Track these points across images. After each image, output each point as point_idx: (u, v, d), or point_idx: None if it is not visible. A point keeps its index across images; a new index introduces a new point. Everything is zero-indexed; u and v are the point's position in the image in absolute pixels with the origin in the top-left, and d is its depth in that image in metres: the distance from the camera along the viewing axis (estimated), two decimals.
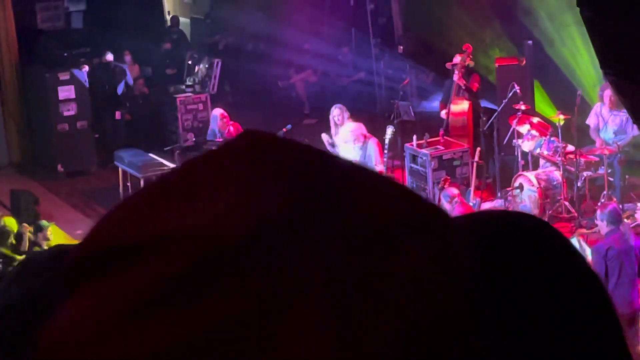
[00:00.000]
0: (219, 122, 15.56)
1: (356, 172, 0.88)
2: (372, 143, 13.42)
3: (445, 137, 15.26)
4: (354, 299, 0.78)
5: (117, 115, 18.89)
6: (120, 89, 19.17)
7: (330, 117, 14.63)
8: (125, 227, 0.81)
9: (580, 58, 16.45)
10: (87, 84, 18.11)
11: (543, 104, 16.69)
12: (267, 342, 0.76)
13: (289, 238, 0.79)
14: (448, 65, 15.97)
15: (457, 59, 15.68)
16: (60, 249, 1.34)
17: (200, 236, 0.78)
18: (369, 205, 0.84)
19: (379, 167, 13.40)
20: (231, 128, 15.64)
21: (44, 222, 13.19)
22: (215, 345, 0.75)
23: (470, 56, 15.75)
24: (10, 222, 13.17)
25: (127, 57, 19.95)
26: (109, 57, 19.31)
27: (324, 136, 14.37)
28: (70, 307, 0.79)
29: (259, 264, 0.77)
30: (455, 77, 15.54)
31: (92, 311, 0.77)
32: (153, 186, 0.86)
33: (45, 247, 12.63)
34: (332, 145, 14.31)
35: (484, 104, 16.60)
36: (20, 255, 12.70)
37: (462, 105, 15.66)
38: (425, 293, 0.81)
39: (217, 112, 15.85)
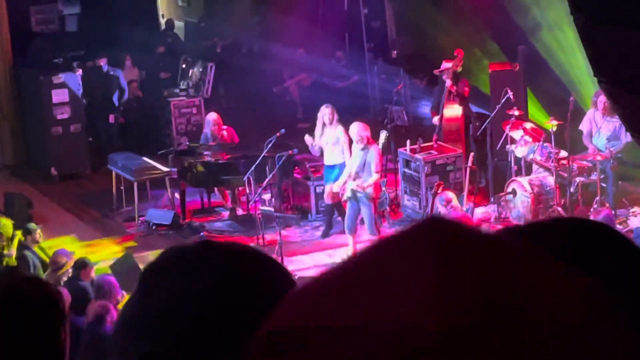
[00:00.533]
0: (212, 127, 15.57)
1: (528, 259, 0.91)
2: (374, 150, 13.39)
3: (438, 142, 15.28)
4: None
5: (111, 118, 18.89)
6: (115, 97, 19.18)
7: (319, 115, 14.55)
8: (321, 313, 0.86)
9: (575, 64, 16.48)
10: (80, 88, 18.09)
11: (536, 110, 16.71)
12: None
13: (477, 340, 0.81)
14: (436, 71, 15.98)
15: (446, 65, 15.69)
16: (208, 245, 1.34)
17: (395, 331, 0.81)
18: (546, 300, 0.86)
19: (376, 176, 13.38)
20: (224, 132, 15.66)
21: (32, 225, 13.15)
22: None
23: (462, 61, 15.77)
24: (7, 224, 13.14)
25: (128, 62, 19.96)
26: (102, 61, 19.28)
27: (307, 138, 14.32)
28: None
29: None
30: (448, 84, 15.56)
31: None
32: (345, 271, 0.89)
33: (35, 249, 12.62)
34: (315, 146, 14.25)
35: (476, 109, 16.61)
36: (5, 257, 12.66)
37: (455, 110, 15.67)
38: None
39: (211, 116, 15.85)
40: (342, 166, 13.94)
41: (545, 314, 0.85)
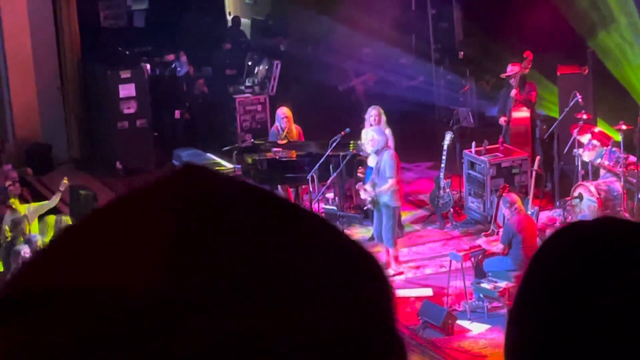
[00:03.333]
0: (282, 119, 15.51)
1: (288, 218, 0.86)
2: (388, 155, 13.24)
3: (504, 144, 15.15)
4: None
5: (177, 114, 18.98)
6: (181, 93, 19.28)
7: (366, 116, 14.51)
8: (45, 275, 0.82)
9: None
10: (147, 83, 18.22)
11: (605, 114, 16.48)
12: None
13: (189, 305, 0.79)
14: (503, 75, 15.87)
15: (513, 68, 15.56)
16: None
17: (106, 294, 0.79)
18: (290, 262, 0.83)
19: (391, 182, 13.21)
20: (294, 129, 15.61)
21: None
22: None
23: (530, 64, 15.63)
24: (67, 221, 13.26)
25: (183, 58, 20.03)
26: (170, 57, 19.40)
27: (360, 143, 14.25)
28: None
29: (159, 330, 0.78)
30: (513, 93, 15.45)
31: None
32: (82, 229, 0.86)
33: None
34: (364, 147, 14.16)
35: (543, 112, 16.47)
36: None
37: (523, 113, 15.54)
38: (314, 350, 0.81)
39: (281, 110, 15.74)
40: None
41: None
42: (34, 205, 14.06)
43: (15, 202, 13.80)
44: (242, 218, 0.84)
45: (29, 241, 12.55)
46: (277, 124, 15.76)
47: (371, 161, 13.95)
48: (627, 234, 1.27)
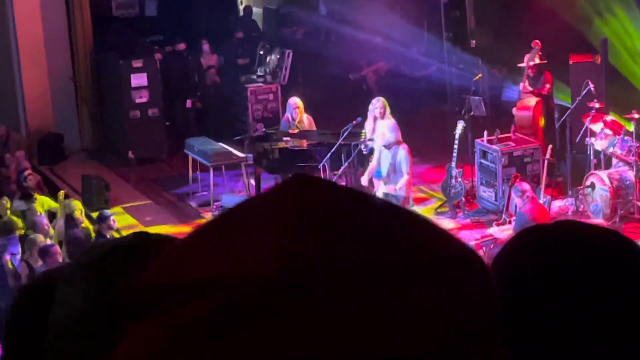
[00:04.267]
0: (293, 110, 15.50)
1: (391, 215, 0.93)
2: (404, 150, 13.20)
3: (517, 133, 15.12)
4: (363, 336, 0.83)
5: (188, 103, 18.99)
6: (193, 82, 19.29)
7: (370, 108, 14.43)
8: (181, 268, 0.89)
9: None
10: (159, 72, 18.23)
11: (617, 103, 16.43)
12: None
13: (312, 283, 0.85)
14: (519, 65, 15.85)
15: (527, 58, 15.56)
16: (143, 240, 1.32)
17: (233, 280, 0.85)
18: (397, 246, 0.89)
19: (407, 177, 13.19)
20: (305, 120, 15.61)
21: (106, 212, 13.23)
22: None
23: (540, 53, 15.57)
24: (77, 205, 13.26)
25: (205, 46, 20.00)
26: (182, 46, 19.41)
27: (370, 143, 14.20)
28: (132, 337, 0.87)
29: (275, 311, 0.83)
30: (521, 86, 15.44)
31: (146, 344, 0.85)
32: (210, 226, 0.93)
33: (109, 237, 12.72)
34: (368, 142, 14.09)
35: (556, 101, 16.42)
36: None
37: (528, 102, 15.51)
38: (429, 329, 0.85)
39: (292, 100, 15.74)
40: None
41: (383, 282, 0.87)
42: (50, 203, 14.09)
43: (42, 199, 13.91)
44: (357, 217, 0.91)
45: (34, 226, 12.59)
46: (287, 114, 15.75)
47: (377, 155, 13.91)
48: (585, 237, 1.31)
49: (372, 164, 13.65)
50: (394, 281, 0.86)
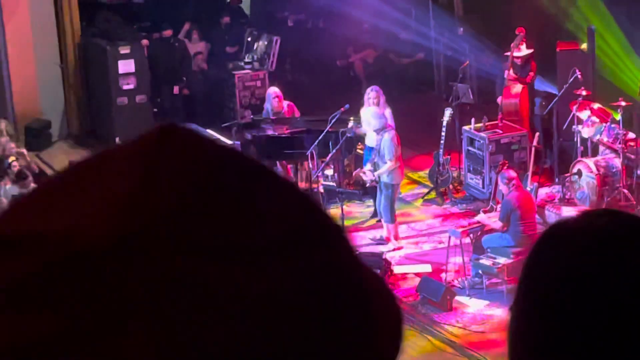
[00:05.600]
0: (273, 102, 15.56)
1: (255, 177, 0.86)
2: (388, 136, 13.24)
3: (504, 120, 15.15)
4: (183, 313, 0.77)
5: (175, 89, 18.95)
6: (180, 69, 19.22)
7: (365, 97, 14.48)
8: (13, 220, 0.82)
9: None
10: (146, 59, 18.20)
11: (604, 90, 16.47)
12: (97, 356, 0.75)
13: (152, 250, 0.78)
14: (505, 54, 15.88)
15: (513, 45, 15.59)
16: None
17: (67, 238, 0.77)
18: (254, 217, 0.82)
19: (390, 164, 13.22)
20: (285, 107, 15.63)
21: None
22: (44, 355, 0.75)
23: (524, 40, 15.58)
24: None
25: (194, 34, 19.96)
26: (168, 32, 19.35)
27: (350, 124, 14.23)
28: None
29: (108, 276, 0.76)
30: (506, 75, 15.49)
31: None
32: (54, 180, 0.85)
33: None
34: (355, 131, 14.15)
35: (544, 87, 16.47)
36: None
37: (514, 89, 15.53)
38: (267, 312, 0.79)
39: (271, 90, 15.84)
40: None
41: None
42: None
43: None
44: (212, 174, 0.84)
45: None
46: (267, 104, 15.77)
47: (369, 141, 13.96)
48: (611, 224, 1.31)
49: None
50: (234, 258, 0.79)
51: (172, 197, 0.80)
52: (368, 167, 13.71)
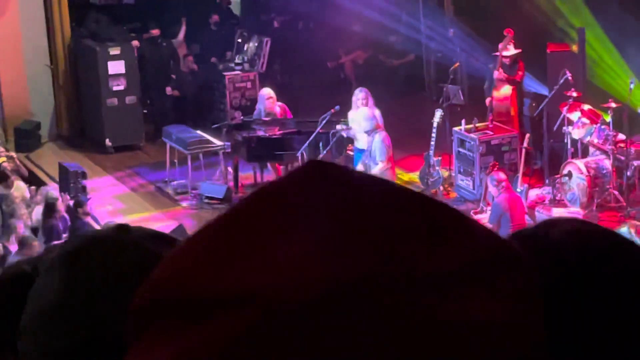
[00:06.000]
0: (266, 101, 15.54)
1: (432, 211, 0.85)
2: (379, 138, 13.22)
3: (494, 122, 15.15)
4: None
5: (168, 90, 18.89)
6: (170, 69, 19.18)
7: (354, 99, 14.50)
8: (198, 279, 0.80)
9: (632, 47, 16.21)
10: (136, 60, 18.17)
11: (595, 92, 16.49)
12: None
13: (355, 306, 0.77)
14: (495, 54, 15.89)
15: (501, 46, 15.60)
16: (123, 233, 1.30)
17: (267, 296, 0.77)
18: (444, 250, 0.82)
19: (381, 165, 13.21)
20: (278, 109, 15.62)
21: (82, 197, 13.22)
22: None
23: (513, 40, 15.58)
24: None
25: (181, 35, 19.94)
26: (156, 31, 19.30)
27: (338, 126, 14.22)
28: (147, 352, 0.80)
29: (314, 333, 0.76)
30: (496, 75, 15.49)
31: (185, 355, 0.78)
32: (223, 229, 0.84)
33: (86, 222, 12.72)
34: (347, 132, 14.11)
35: (535, 89, 16.48)
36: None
37: (504, 90, 15.53)
38: (481, 342, 0.79)
39: (265, 91, 15.84)
40: None
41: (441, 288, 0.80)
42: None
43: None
44: (380, 215, 0.83)
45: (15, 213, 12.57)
46: (259, 105, 15.76)
47: (359, 142, 13.95)
48: (569, 233, 1.29)
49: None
50: (450, 289, 0.79)
51: (359, 241, 0.80)
52: (360, 167, 13.71)
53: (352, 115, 14.39)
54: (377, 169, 13.19)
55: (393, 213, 0.83)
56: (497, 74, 15.59)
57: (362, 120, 13.39)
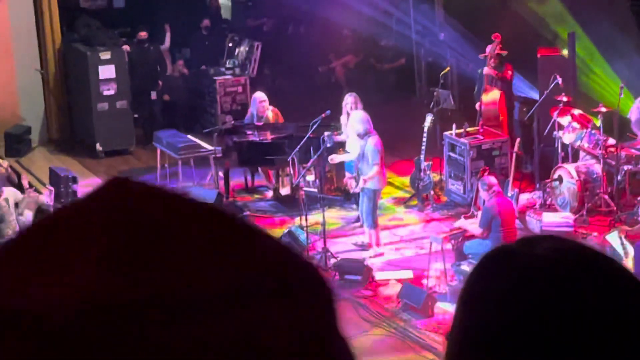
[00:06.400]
0: (258, 105, 15.55)
1: (219, 231, 0.84)
2: (372, 141, 13.22)
3: (485, 126, 15.17)
4: None
5: (153, 95, 18.85)
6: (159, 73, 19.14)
7: (343, 104, 14.57)
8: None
9: (624, 50, 16.25)
10: (127, 64, 18.15)
11: (585, 96, 16.52)
12: None
13: (110, 322, 0.78)
14: (481, 56, 15.90)
15: (489, 49, 15.62)
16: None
17: (37, 316, 0.78)
18: (219, 271, 0.81)
19: (375, 168, 13.20)
20: (270, 113, 15.62)
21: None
22: None
23: (500, 45, 15.60)
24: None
25: (167, 40, 19.92)
26: (143, 34, 19.25)
27: (326, 133, 14.22)
28: None
29: (66, 352, 0.76)
30: (486, 70, 15.50)
31: None
32: (16, 250, 0.84)
33: None
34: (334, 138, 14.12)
35: (525, 93, 16.51)
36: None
37: (492, 95, 15.54)
38: None
39: (257, 95, 15.84)
40: None
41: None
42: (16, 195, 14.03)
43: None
44: (170, 232, 0.83)
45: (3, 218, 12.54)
46: (252, 109, 15.75)
47: (350, 147, 13.95)
48: (551, 250, 1.30)
49: (346, 156, 13.82)
50: (201, 313, 0.80)
51: (130, 266, 0.80)
52: (348, 175, 13.75)
53: (344, 119, 14.42)
54: (372, 172, 13.17)
55: (170, 234, 0.83)
56: (487, 69, 15.56)
57: (356, 123, 13.37)
